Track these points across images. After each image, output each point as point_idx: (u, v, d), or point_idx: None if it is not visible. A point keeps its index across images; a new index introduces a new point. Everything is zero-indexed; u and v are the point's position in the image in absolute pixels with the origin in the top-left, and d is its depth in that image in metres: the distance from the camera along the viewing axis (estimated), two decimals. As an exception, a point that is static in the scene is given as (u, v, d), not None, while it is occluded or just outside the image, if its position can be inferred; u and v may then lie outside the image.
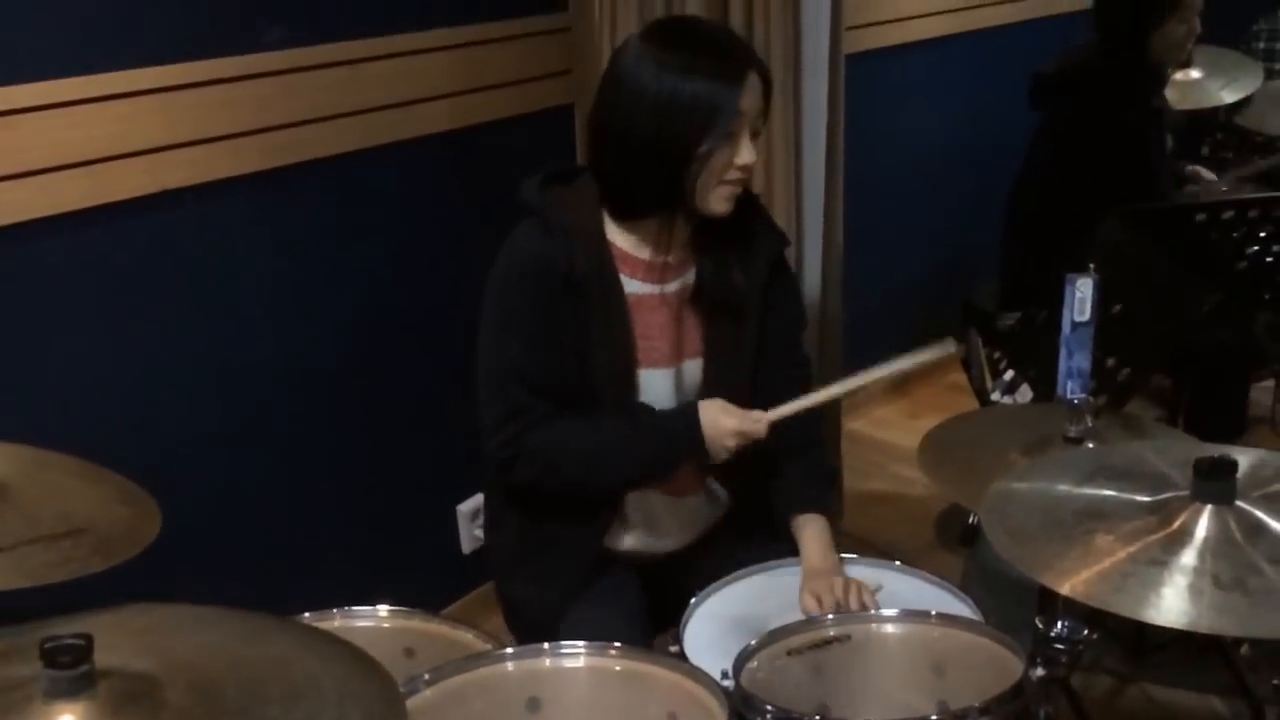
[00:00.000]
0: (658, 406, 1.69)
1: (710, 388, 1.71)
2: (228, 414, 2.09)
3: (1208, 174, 3.02)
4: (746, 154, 1.59)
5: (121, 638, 1.07)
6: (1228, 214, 2.25)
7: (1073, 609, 1.42)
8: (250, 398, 2.12)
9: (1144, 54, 2.66)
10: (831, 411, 2.67)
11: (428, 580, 2.44)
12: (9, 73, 1.72)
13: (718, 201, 1.61)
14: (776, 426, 1.62)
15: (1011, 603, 1.51)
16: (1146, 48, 2.66)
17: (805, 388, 1.83)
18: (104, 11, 1.82)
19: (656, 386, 1.68)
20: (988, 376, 2.47)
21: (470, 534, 2.55)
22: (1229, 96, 3.24)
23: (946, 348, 1.64)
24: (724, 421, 1.61)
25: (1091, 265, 1.71)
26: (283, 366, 2.17)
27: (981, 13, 3.55)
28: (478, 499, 2.52)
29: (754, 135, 1.60)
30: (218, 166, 1.98)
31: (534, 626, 1.71)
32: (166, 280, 1.97)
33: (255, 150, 2.02)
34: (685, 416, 1.63)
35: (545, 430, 1.63)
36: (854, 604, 1.55)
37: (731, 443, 1.61)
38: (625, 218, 1.66)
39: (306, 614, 1.48)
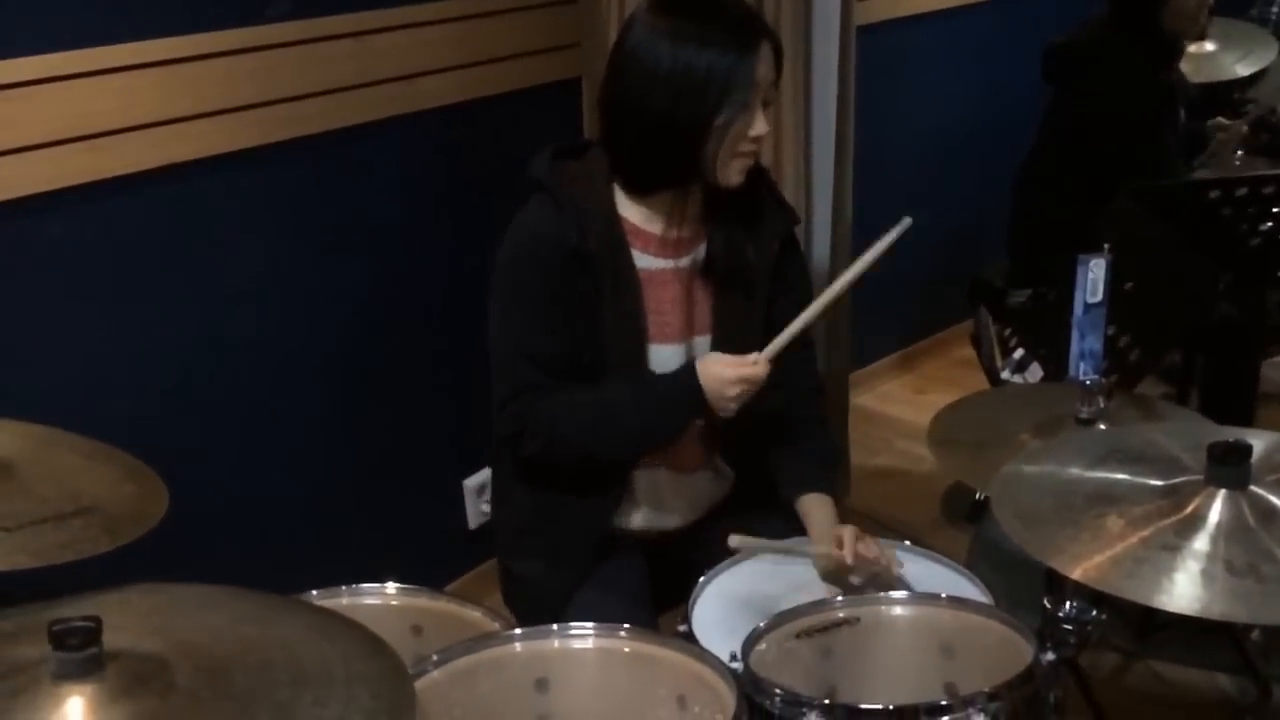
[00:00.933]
0: None
1: None
2: (233, 389, 2.08)
3: (1229, 120, 2.98)
4: (761, 124, 1.58)
5: (129, 619, 1.07)
6: (1241, 191, 2.22)
7: (1081, 590, 1.41)
8: (255, 373, 2.11)
9: (1156, 26, 2.62)
10: (838, 387, 2.66)
11: (434, 555, 2.44)
12: (10, 46, 1.70)
13: (733, 173, 1.60)
14: (776, 363, 1.59)
15: (1018, 580, 1.51)
16: (1158, 20, 2.62)
17: (810, 368, 1.83)
18: (106, -17, 1.80)
19: (667, 362, 1.68)
20: (998, 354, 2.45)
21: (477, 509, 2.55)
22: (1243, 70, 3.20)
23: (903, 225, 1.61)
24: (722, 371, 1.58)
25: (1105, 245, 1.69)
26: (287, 341, 2.16)
27: (995, -17, 3.51)
28: (484, 474, 2.52)
29: (766, 105, 1.59)
30: (221, 140, 1.96)
31: (537, 603, 1.71)
32: (170, 254, 1.96)
33: (259, 123, 2.00)
34: (685, 374, 1.62)
35: (550, 400, 1.62)
36: (873, 555, 1.54)
37: (734, 391, 1.58)
38: (639, 192, 1.64)
39: (314, 592, 1.48)
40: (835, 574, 1.57)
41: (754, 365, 1.58)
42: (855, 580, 1.56)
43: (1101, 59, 2.64)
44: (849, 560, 1.54)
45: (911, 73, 3.36)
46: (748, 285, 1.70)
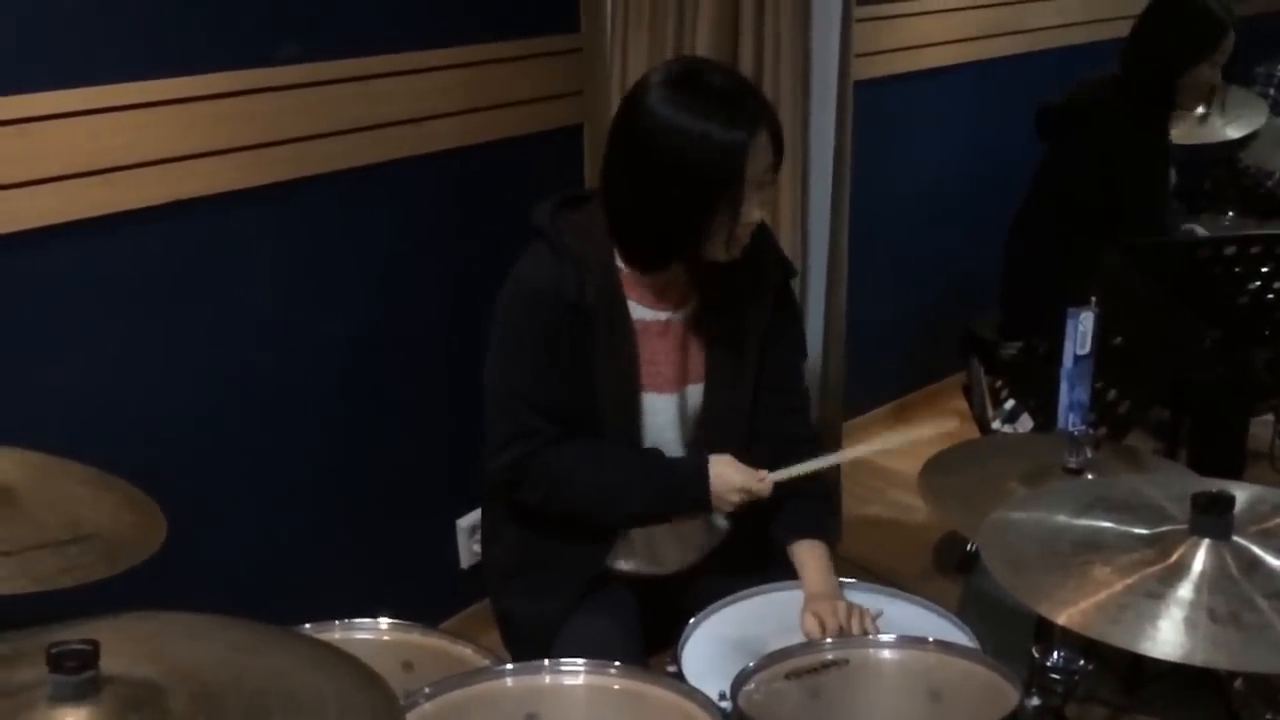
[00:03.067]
0: (662, 429, 1.70)
1: (711, 413, 1.72)
2: (232, 423, 2.10)
3: (1203, 231, 3.02)
4: (756, 212, 1.58)
5: (125, 644, 1.07)
6: (1229, 249, 2.26)
7: (1069, 639, 1.43)
8: (255, 408, 2.13)
9: (1168, 94, 2.65)
10: (831, 437, 2.68)
11: (426, 595, 2.45)
12: (29, 81, 1.74)
13: (724, 253, 1.61)
14: (780, 486, 1.62)
15: (1007, 630, 1.52)
16: (1171, 91, 2.64)
17: (803, 418, 1.84)
18: (122, 23, 1.84)
19: (660, 411, 1.69)
20: (989, 405, 2.47)
21: (469, 549, 2.56)
22: (1234, 133, 3.25)
23: (950, 425, 1.64)
24: (731, 477, 1.61)
25: (1093, 298, 1.72)
26: (288, 378, 2.18)
27: (990, 43, 3.58)
28: (477, 514, 2.52)
29: (763, 188, 1.59)
30: (231, 177, 2.00)
31: (529, 640, 1.71)
32: (177, 289, 1.99)
33: (268, 162, 2.04)
34: (695, 469, 1.63)
35: (552, 455, 1.63)
36: (855, 629, 1.55)
37: (735, 498, 1.61)
38: (636, 267, 1.65)
39: (307, 625, 1.49)
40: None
41: (760, 482, 1.61)
42: None
43: (1099, 116, 2.67)
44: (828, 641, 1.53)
45: (907, 128, 3.41)
46: (742, 336, 1.72)
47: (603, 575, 1.74)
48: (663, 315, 1.68)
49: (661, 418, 1.70)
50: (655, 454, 1.68)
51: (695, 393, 1.72)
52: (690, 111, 1.54)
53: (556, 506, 1.66)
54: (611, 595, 1.72)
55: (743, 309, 1.70)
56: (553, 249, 1.63)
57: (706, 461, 1.63)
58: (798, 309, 1.92)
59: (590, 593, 1.71)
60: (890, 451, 1.65)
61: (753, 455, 1.66)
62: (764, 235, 1.78)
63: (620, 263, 1.66)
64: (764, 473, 1.61)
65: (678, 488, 1.64)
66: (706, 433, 1.73)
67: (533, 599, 1.74)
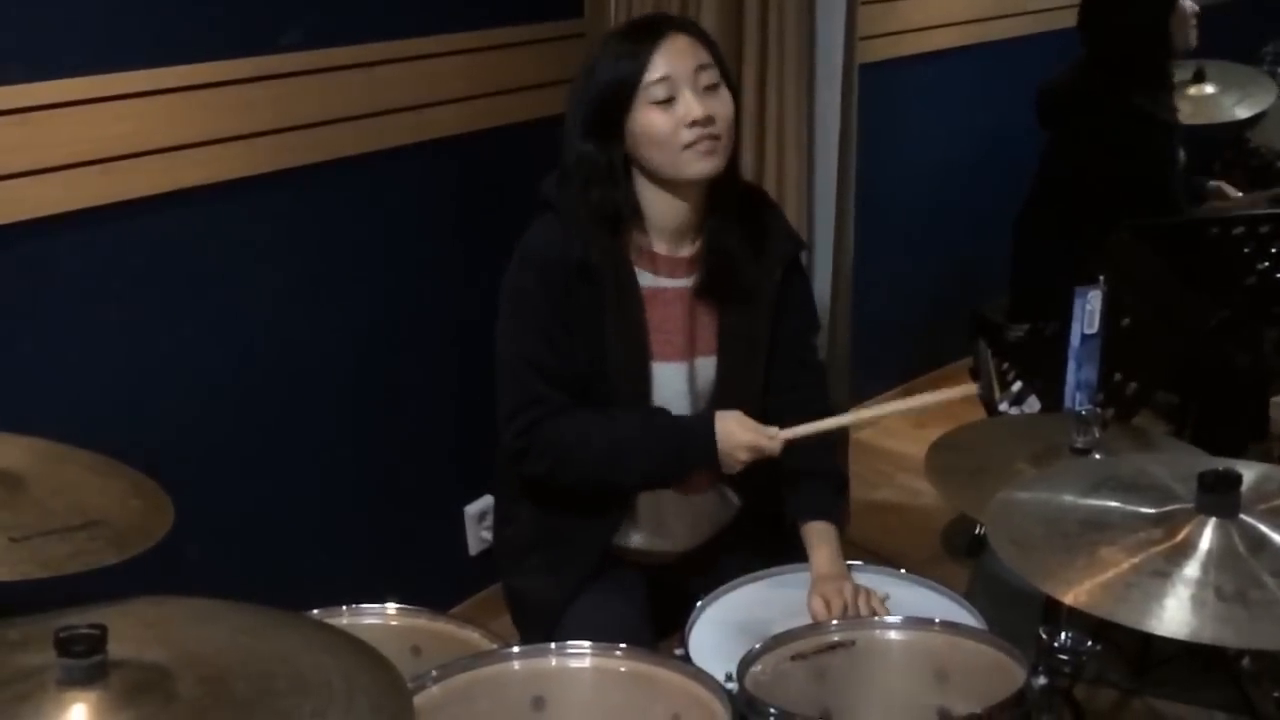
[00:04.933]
0: (671, 401, 1.70)
1: (723, 384, 1.72)
2: (238, 411, 2.11)
3: (1233, 191, 3.01)
4: (692, 109, 1.58)
5: (133, 629, 1.08)
6: (1238, 229, 2.25)
7: (1077, 619, 1.42)
8: (261, 395, 2.14)
9: (1165, 40, 2.65)
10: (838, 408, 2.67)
11: (434, 581, 2.45)
12: (28, 70, 1.74)
13: (688, 164, 1.61)
14: (790, 444, 1.62)
15: (1017, 615, 1.52)
16: (1167, 33, 2.65)
17: (819, 392, 1.84)
18: (122, 11, 1.84)
19: (670, 380, 1.69)
20: (996, 388, 2.47)
21: (477, 536, 2.56)
22: (1242, 112, 3.23)
23: (967, 389, 1.62)
24: (739, 434, 1.60)
25: (1101, 278, 1.72)
26: (294, 365, 2.18)
27: (996, 24, 3.56)
28: (485, 500, 2.53)
29: (709, 89, 1.61)
30: (232, 166, 2.00)
31: (537, 618, 1.72)
32: (180, 277, 1.99)
33: (270, 151, 2.04)
34: (701, 424, 1.63)
35: (560, 422, 1.63)
36: (863, 610, 1.55)
37: (744, 455, 1.61)
38: (617, 220, 1.66)
39: (315, 611, 1.49)
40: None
41: (770, 439, 1.60)
42: None
43: (1087, 97, 2.66)
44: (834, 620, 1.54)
45: (913, 110, 3.40)
46: (752, 307, 1.71)
47: (613, 556, 1.74)
48: (670, 282, 1.68)
49: (670, 387, 1.69)
50: (662, 412, 1.68)
51: (705, 365, 1.72)
52: (602, 47, 1.66)
53: (565, 474, 1.66)
54: (619, 581, 1.72)
55: (752, 281, 1.70)
56: (559, 217, 1.64)
57: (712, 417, 1.62)
58: (808, 282, 1.91)
59: (599, 574, 1.71)
60: (909, 412, 1.63)
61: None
62: (772, 209, 1.78)
63: (628, 229, 1.66)
64: (774, 430, 1.60)
65: (684, 444, 1.63)
66: (718, 407, 1.71)
67: (543, 577, 1.74)
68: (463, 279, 2.40)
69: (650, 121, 1.59)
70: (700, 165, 1.61)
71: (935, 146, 3.51)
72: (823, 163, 2.51)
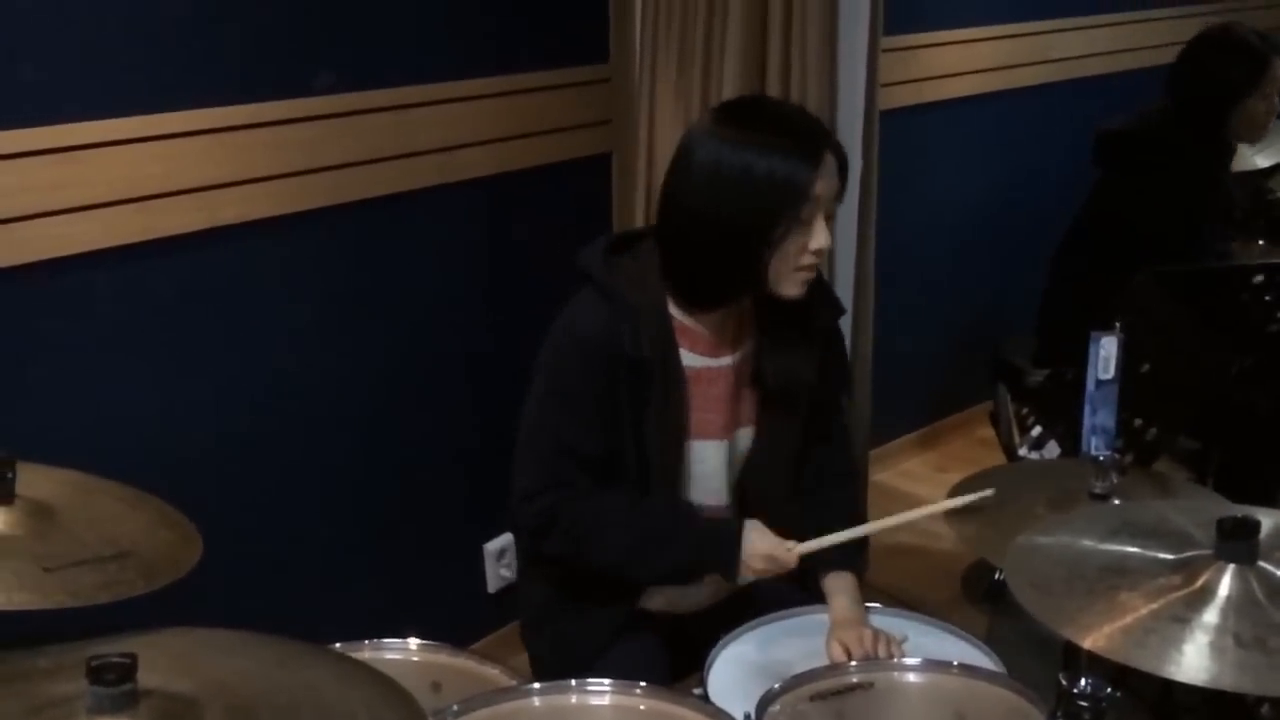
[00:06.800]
0: (709, 476, 1.68)
1: (758, 456, 1.71)
2: (265, 447, 2.13)
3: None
4: (822, 238, 1.54)
5: (162, 659, 1.09)
6: (1258, 278, 2.25)
7: (1097, 666, 1.42)
8: (287, 431, 2.16)
9: (1221, 129, 2.64)
10: (859, 463, 2.67)
11: (453, 618, 2.46)
12: (69, 111, 1.78)
13: (791, 286, 1.58)
14: (804, 558, 1.59)
15: (1035, 660, 1.52)
16: (1225, 124, 2.64)
17: (842, 455, 1.83)
18: (160, 55, 1.88)
19: (709, 458, 1.68)
20: (1015, 432, 2.47)
21: (496, 573, 2.57)
22: (1263, 161, 3.25)
23: (985, 495, 1.58)
24: (758, 544, 1.58)
25: (1117, 324, 1.73)
26: (319, 401, 2.21)
27: (1016, 72, 3.59)
28: (505, 538, 2.54)
29: (828, 218, 1.58)
30: (265, 205, 2.03)
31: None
32: (212, 313, 2.02)
33: (302, 190, 2.07)
34: (728, 532, 1.59)
35: (584, 507, 1.61)
36: (881, 655, 1.55)
37: (759, 565, 1.58)
38: (696, 308, 1.63)
39: (337, 645, 1.50)
40: None
41: (787, 552, 1.57)
42: None
43: (1159, 152, 2.63)
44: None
45: (934, 157, 3.43)
46: (795, 381, 1.69)
47: (633, 615, 1.72)
48: (714, 362, 1.66)
49: (709, 465, 1.68)
50: (691, 512, 1.66)
51: (745, 435, 1.71)
52: (753, 138, 1.53)
53: (585, 559, 1.64)
54: (637, 645, 1.70)
55: (796, 353, 1.68)
56: (605, 296, 1.59)
57: (739, 527, 1.58)
58: (843, 343, 1.90)
59: (620, 635, 1.70)
60: (926, 519, 1.62)
61: (794, 491, 1.65)
62: (818, 279, 1.78)
63: (673, 309, 1.63)
64: (791, 543, 1.58)
65: (706, 551, 1.60)
66: (750, 475, 1.72)
67: (560, 644, 1.73)
68: (487, 318, 2.43)
69: (790, 232, 1.54)
70: (798, 291, 1.59)
71: (956, 192, 3.54)
72: (844, 208, 2.52)
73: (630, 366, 1.58)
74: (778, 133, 1.54)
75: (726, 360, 1.67)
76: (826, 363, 1.75)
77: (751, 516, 1.64)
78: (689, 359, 1.64)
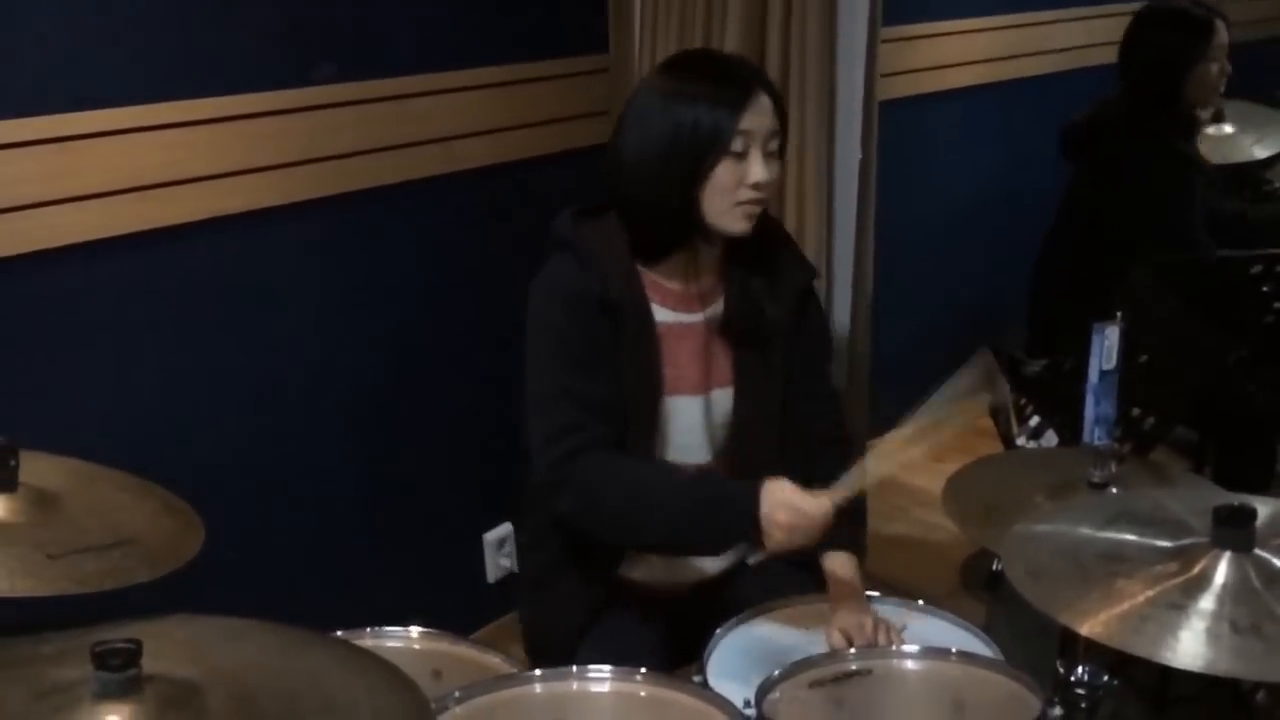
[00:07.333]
0: (686, 434, 1.71)
1: (740, 415, 1.73)
2: (266, 435, 2.14)
3: None
4: (757, 171, 1.60)
5: (166, 646, 1.10)
6: (1256, 269, 2.26)
7: (1094, 654, 1.43)
8: (288, 419, 2.17)
9: (1175, 98, 2.67)
10: (856, 436, 2.68)
11: (453, 607, 2.44)
12: (70, 101, 1.78)
13: (733, 221, 1.63)
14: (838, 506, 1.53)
15: (1034, 649, 1.52)
16: (1179, 92, 2.66)
17: (834, 420, 1.84)
18: (161, 44, 1.88)
19: (685, 414, 1.71)
20: (1013, 422, 2.48)
21: (496, 563, 2.58)
22: (1261, 152, 3.25)
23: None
24: (777, 494, 1.51)
25: (1119, 314, 1.73)
26: (319, 392, 2.21)
27: (1016, 63, 3.60)
28: (504, 528, 2.55)
29: (770, 155, 1.63)
30: (265, 195, 2.03)
31: (546, 652, 1.73)
32: (212, 303, 2.03)
33: (302, 180, 2.08)
34: (744, 498, 1.52)
35: (598, 461, 1.61)
36: (882, 643, 1.56)
37: (784, 517, 1.50)
38: (650, 256, 1.69)
39: (339, 633, 1.51)
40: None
41: (815, 500, 1.50)
42: None
43: (1120, 134, 2.68)
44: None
45: (933, 147, 3.43)
46: (766, 338, 1.73)
47: (624, 588, 1.74)
48: (685, 317, 1.70)
49: (685, 420, 1.71)
50: (711, 479, 1.67)
51: (722, 398, 1.73)
52: (684, 78, 1.64)
53: (591, 520, 1.63)
54: (632, 616, 1.72)
55: (766, 312, 1.72)
56: (576, 255, 1.66)
57: (759, 489, 1.51)
58: (822, 310, 1.92)
59: (609, 607, 1.71)
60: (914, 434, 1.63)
61: (783, 457, 1.66)
62: (786, 240, 1.80)
63: (640, 266, 1.69)
64: (822, 497, 1.51)
65: (724, 516, 1.55)
66: (737, 439, 1.74)
67: (554, 612, 1.75)
68: (488, 307, 2.43)
69: (719, 171, 1.61)
70: (741, 226, 1.64)
71: (955, 182, 3.54)
72: (843, 198, 2.53)
73: (605, 312, 1.63)
74: (705, 80, 1.63)
75: (698, 316, 1.71)
76: (805, 326, 1.77)
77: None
78: (660, 314, 1.68)
